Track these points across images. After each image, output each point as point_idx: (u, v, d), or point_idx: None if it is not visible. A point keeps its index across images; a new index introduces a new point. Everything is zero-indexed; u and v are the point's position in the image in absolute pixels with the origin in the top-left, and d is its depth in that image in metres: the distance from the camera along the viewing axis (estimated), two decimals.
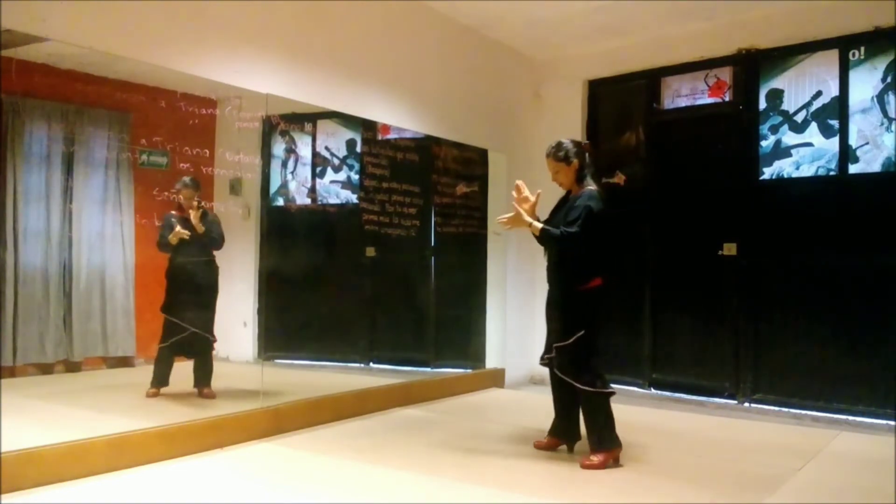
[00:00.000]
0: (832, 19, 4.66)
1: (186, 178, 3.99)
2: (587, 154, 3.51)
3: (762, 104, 5.03)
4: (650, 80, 5.53)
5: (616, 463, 3.35)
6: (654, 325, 5.41)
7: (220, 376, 4.11)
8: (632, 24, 5.25)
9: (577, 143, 3.50)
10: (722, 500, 2.98)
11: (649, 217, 5.49)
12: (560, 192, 3.58)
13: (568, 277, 3.40)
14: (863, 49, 4.61)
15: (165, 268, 4.09)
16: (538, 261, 5.94)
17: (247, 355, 4.75)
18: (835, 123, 4.70)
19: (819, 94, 4.79)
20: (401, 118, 4.92)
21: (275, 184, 5.37)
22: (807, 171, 4.83)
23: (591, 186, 3.45)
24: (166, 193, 3.91)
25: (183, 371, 4.11)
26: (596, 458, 3.30)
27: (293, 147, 5.40)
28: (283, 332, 5.12)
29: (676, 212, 5.38)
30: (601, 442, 3.32)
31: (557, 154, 3.45)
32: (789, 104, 4.92)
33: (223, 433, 3.65)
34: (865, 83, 4.60)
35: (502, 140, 5.74)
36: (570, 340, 3.32)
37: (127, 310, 4.24)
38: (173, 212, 4.04)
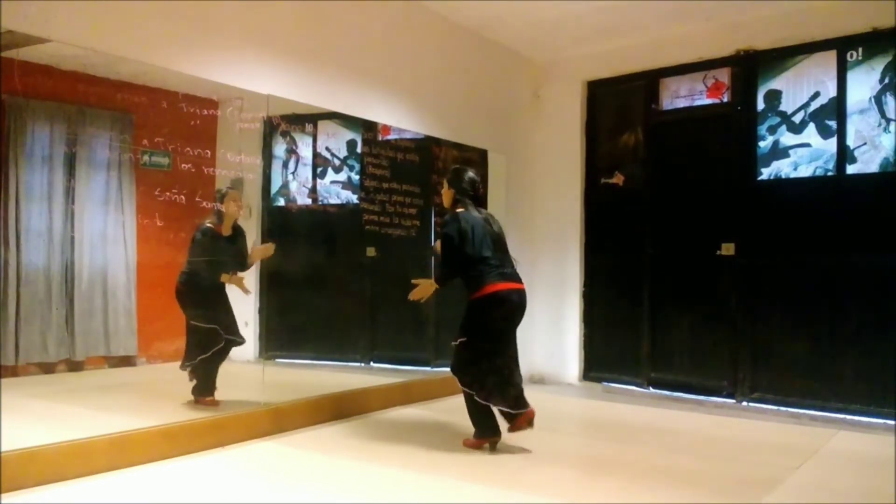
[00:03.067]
0: (830, 20, 4.68)
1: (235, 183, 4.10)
2: (473, 190, 3.86)
3: (760, 105, 5.04)
4: (649, 81, 5.55)
5: (493, 448, 3.67)
6: (653, 325, 5.43)
7: (222, 375, 4.12)
8: (631, 25, 5.27)
9: (469, 178, 3.87)
10: (720, 499, 3.00)
11: (648, 217, 5.51)
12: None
13: (466, 288, 3.72)
14: (861, 50, 4.63)
15: (198, 278, 4.11)
16: (536, 261, 5.99)
17: (248, 355, 4.76)
18: (833, 124, 4.72)
19: (817, 94, 4.81)
20: (401, 119, 4.94)
21: (276, 184, 5.38)
22: (805, 171, 4.85)
23: (460, 209, 3.79)
24: (168, 194, 3.92)
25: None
26: (473, 440, 3.72)
27: (294, 148, 5.41)
28: (284, 332, 5.13)
29: (675, 212, 5.40)
30: (477, 430, 3.72)
31: (447, 177, 3.93)
32: (787, 105, 4.94)
33: (224, 432, 3.67)
34: (863, 84, 4.62)
35: (502, 141, 5.76)
36: (456, 342, 3.71)
37: (129, 309, 4.25)
38: (209, 224, 4.08)
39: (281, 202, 5.44)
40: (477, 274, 3.66)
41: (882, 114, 4.55)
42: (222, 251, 4.14)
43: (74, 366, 4.07)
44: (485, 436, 3.69)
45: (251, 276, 4.51)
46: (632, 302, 5.54)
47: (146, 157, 3.99)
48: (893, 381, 4.35)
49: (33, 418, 3.53)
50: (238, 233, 4.23)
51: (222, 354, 4.14)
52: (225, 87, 3.82)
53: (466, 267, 3.68)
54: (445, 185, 3.91)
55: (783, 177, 4.94)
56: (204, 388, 4.04)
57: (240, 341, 4.21)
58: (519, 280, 3.78)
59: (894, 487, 3.14)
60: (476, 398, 3.62)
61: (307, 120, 5.33)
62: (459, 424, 3.81)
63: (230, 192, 4.11)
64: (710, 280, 5.16)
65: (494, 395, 3.60)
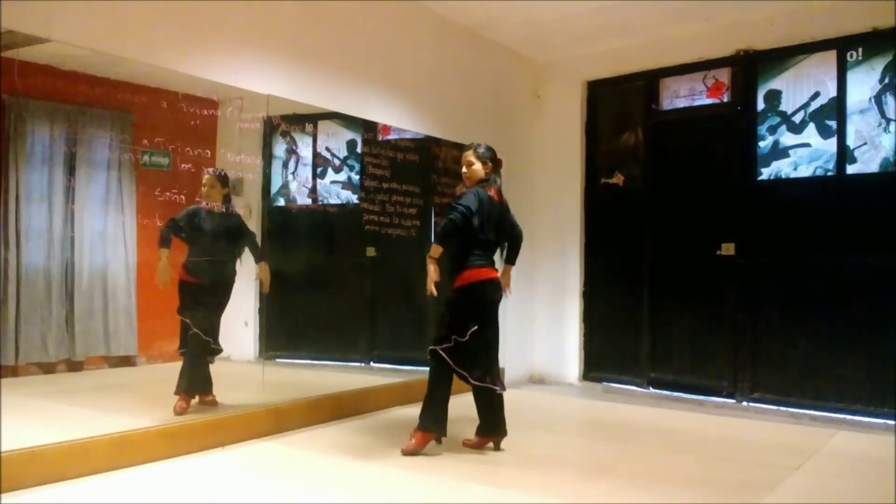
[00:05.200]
0: (830, 20, 4.68)
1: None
2: (499, 168, 3.85)
3: (760, 105, 5.04)
4: (649, 81, 5.54)
5: (496, 447, 3.68)
6: (653, 325, 5.43)
7: (222, 375, 4.12)
8: (631, 25, 5.27)
9: (495, 155, 3.82)
10: (720, 499, 3.00)
11: (648, 217, 5.51)
12: None
13: (461, 268, 3.64)
14: (861, 50, 4.63)
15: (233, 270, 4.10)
16: (537, 262, 5.99)
17: (248, 354, 4.77)
18: (833, 124, 4.72)
19: (817, 94, 4.80)
20: (401, 119, 4.94)
21: (276, 184, 5.39)
22: (805, 171, 4.85)
23: (485, 190, 3.71)
24: (168, 194, 3.91)
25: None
26: (474, 440, 3.71)
27: (294, 148, 5.42)
28: (284, 332, 5.13)
29: (675, 212, 5.40)
30: (482, 428, 3.70)
31: (479, 151, 3.78)
32: (787, 105, 4.94)
33: (224, 432, 3.67)
34: (863, 84, 4.62)
35: (502, 141, 5.74)
36: (465, 337, 3.57)
37: (129, 309, 4.26)
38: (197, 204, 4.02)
39: (281, 202, 5.44)
40: (476, 256, 3.62)
41: (882, 114, 4.55)
42: (213, 227, 4.06)
43: (74, 366, 4.08)
44: (487, 434, 3.69)
45: (251, 276, 4.51)
46: (632, 302, 5.54)
47: (146, 157, 3.99)
48: (893, 381, 4.35)
49: (33, 418, 3.53)
50: (232, 214, 4.16)
51: (199, 351, 4.01)
52: (225, 87, 3.82)
53: (467, 244, 3.62)
54: (480, 162, 3.73)
55: (783, 177, 4.94)
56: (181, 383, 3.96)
57: (213, 345, 4.08)
58: None
59: (894, 487, 3.14)
60: (498, 390, 3.61)
61: (307, 120, 5.33)
62: (459, 424, 3.81)
63: (207, 178, 4.04)
64: (710, 280, 5.16)
65: (500, 381, 3.64)
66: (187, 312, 3.98)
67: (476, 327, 3.56)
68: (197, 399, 3.98)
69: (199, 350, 3.98)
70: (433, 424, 3.60)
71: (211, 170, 4.01)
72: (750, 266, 4.99)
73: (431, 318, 5.59)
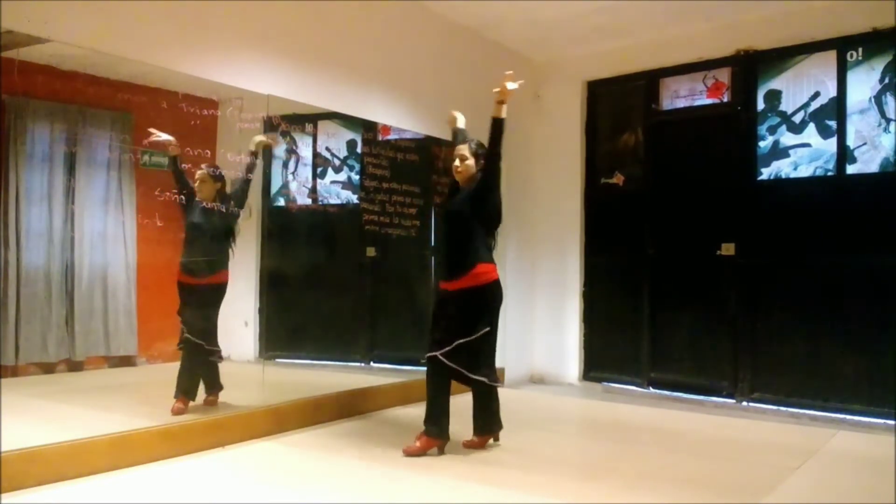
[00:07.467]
0: (830, 20, 4.68)
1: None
2: None
3: (760, 105, 5.04)
4: (649, 81, 5.55)
5: (495, 440, 3.70)
6: (653, 325, 5.43)
7: (222, 375, 4.12)
8: (631, 25, 5.27)
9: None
10: (720, 499, 3.00)
11: (648, 217, 5.51)
12: None
13: (476, 261, 3.59)
14: (861, 50, 4.63)
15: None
16: (537, 262, 5.99)
17: (248, 354, 4.77)
18: (833, 124, 4.72)
19: (817, 94, 4.81)
20: (401, 119, 4.94)
21: (276, 184, 5.38)
22: (805, 171, 4.85)
23: None
24: (168, 194, 3.91)
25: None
26: (474, 440, 3.69)
27: (294, 148, 5.42)
28: (284, 332, 5.13)
29: (675, 212, 5.40)
30: (481, 427, 3.70)
31: (473, 146, 3.79)
32: (787, 105, 4.94)
33: (224, 432, 3.67)
34: (863, 84, 4.62)
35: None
36: (473, 337, 3.53)
37: (129, 309, 4.26)
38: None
39: (281, 202, 5.44)
40: (488, 249, 3.62)
41: (882, 114, 4.55)
42: (207, 225, 4.04)
43: (74, 366, 4.07)
44: (486, 432, 3.68)
45: (251, 276, 4.51)
46: (632, 302, 5.54)
47: (146, 157, 3.99)
48: (893, 381, 4.36)
49: (33, 418, 3.53)
50: (228, 214, 4.12)
51: (191, 354, 3.99)
52: (225, 87, 3.82)
53: (480, 232, 3.61)
54: (472, 154, 3.74)
55: (783, 177, 4.94)
56: (178, 385, 3.95)
57: (208, 346, 4.04)
58: None
59: (894, 487, 3.14)
60: (496, 387, 3.61)
61: (307, 120, 5.33)
62: (459, 424, 3.81)
63: (199, 173, 4.00)
64: (710, 280, 5.16)
65: (495, 375, 3.65)
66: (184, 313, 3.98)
67: (488, 329, 3.54)
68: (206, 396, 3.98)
69: (193, 352, 3.97)
70: (440, 433, 3.59)
71: (204, 166, 4.00)
72: (750, 266, 4.99)
73: (431, 318, 5.60)
